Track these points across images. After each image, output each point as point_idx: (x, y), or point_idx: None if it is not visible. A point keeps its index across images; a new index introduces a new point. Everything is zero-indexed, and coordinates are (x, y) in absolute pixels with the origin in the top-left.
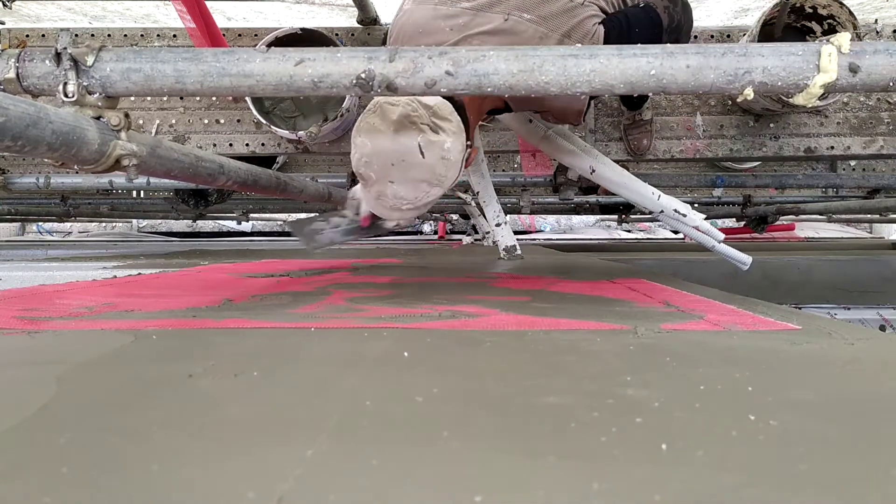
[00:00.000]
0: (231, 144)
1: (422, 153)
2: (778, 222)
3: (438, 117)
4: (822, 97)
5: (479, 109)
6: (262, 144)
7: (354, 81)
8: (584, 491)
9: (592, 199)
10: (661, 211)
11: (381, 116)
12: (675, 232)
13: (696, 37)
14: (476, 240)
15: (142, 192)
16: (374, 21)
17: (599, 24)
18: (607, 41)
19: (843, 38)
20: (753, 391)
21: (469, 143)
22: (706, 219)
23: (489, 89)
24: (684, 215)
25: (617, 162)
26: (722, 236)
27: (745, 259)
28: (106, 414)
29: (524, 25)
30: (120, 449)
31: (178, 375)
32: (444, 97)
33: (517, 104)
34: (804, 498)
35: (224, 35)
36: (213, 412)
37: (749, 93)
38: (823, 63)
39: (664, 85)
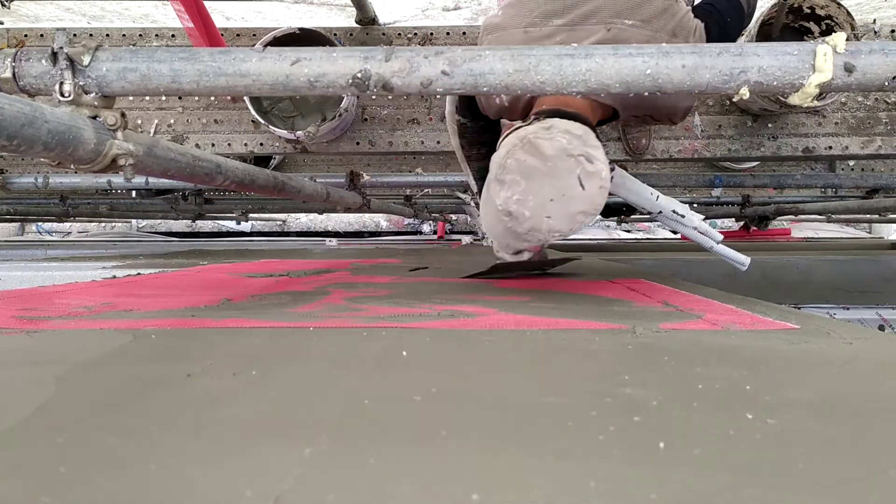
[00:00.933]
0: (229, 144)
1: (581, 186)
2: (775, 223)
3: (589, 146)
4: (818, 97)
5: (595, 122)
6: (261, 144)
7: (350, 81)
8: (581, 490)
9: None
10: (660, 212)
11: (533, 152)
12: (674, 232)
13: None
14: (476, 240)
15: (133, 193)
16: (373, 21)
17: (696, 17)
18: (708, 35)
19: (839, 37)
20: (751, 390)
21: (610, 163)
22: (705, 219)
23: (485, 88)
24: (683, 216)
25: (615, 162)
26: (721, 237)
27: (744, 260)
28: (104, 413)
29: (628, 32)
30: (118, 448)
31: (176, 375)
32: (570, 117)
33: (627, 109)
34: (802, 497)
35: (222, 35)
36: (211, 411)
37: (745, 92)
38: (819, 63)
39: (660, 84)
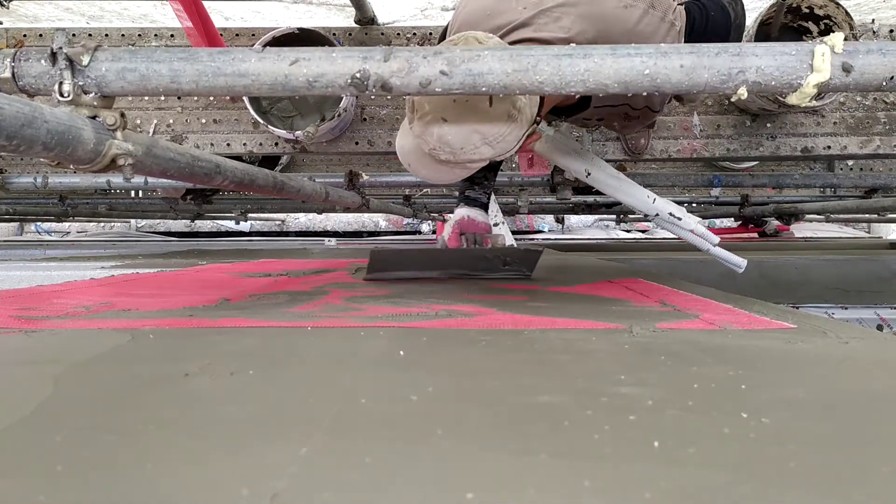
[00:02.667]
0: (229, 144)
1: (490, 101)
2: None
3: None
4: (817, 97)
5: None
6: (260, 144)
7: (349, 81)
8: (575, 488)
9: (591, 199)
10: (657, 214)
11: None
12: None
13: None
14: None
15: (140, 192)
16: (372, 21)
17: (680, 4)
18: (690, 23)
19: (837, 37)
20: (746, 389)
21: (538, 119)
22: (701, 221)
23: (484, 88)
24: (679, 219)
25: (615, 161)
26: (717, 240)
27: (740, 262)
28: (102, 413)
29: None
30: (115, 447)
31: (174, 374)
32: None
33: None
34: (795, 495)
35: (221, 35)
36: (208, 410)
37: (743, 92)
38: (817, 63)
39: (658, 84)
